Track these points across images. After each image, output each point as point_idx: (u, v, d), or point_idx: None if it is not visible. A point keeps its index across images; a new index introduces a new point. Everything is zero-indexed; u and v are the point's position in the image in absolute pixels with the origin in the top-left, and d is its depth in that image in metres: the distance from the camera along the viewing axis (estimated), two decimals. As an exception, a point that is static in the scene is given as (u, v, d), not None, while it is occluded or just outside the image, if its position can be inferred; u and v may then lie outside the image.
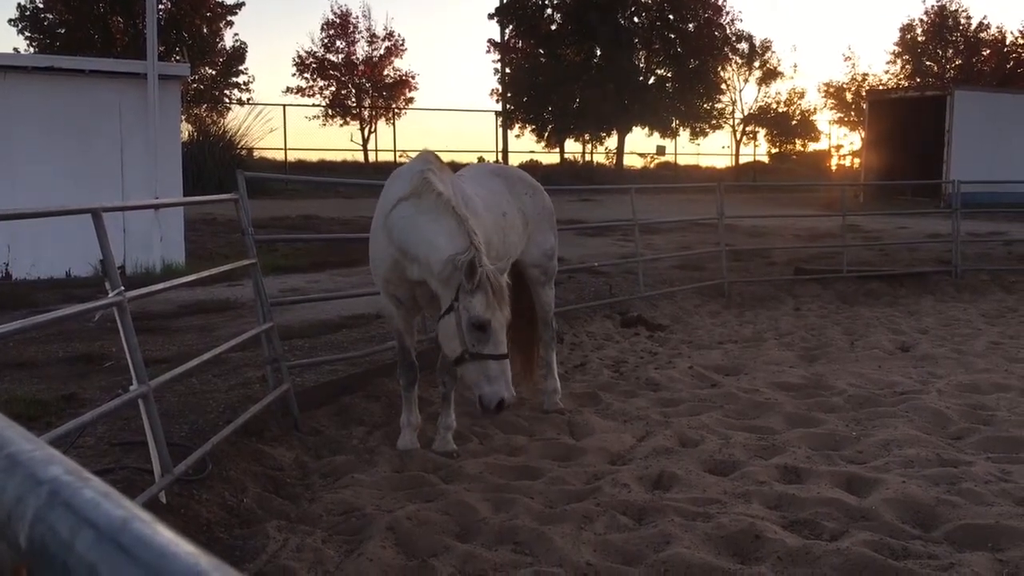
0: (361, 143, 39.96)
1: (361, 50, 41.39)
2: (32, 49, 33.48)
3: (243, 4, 36.46)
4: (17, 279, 11.88)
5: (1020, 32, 47.22)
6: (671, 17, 42.79)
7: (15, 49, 32.28)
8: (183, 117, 21.52)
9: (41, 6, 34.60)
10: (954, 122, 28.41)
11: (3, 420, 0.92)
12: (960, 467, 5.26)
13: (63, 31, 34.33)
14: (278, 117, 33.72)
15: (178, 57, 31.70)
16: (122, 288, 4.24)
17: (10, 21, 34.55)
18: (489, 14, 41.43)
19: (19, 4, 34.35)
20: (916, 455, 5.45)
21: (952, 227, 13.69)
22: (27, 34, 34.47)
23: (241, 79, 37.34)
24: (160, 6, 25.58)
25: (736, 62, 44.50)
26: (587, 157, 44.96)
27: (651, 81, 43.51)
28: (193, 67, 27.60)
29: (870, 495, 4.80)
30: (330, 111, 40.85)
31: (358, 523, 4.49)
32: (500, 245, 5.93)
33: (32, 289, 10.96)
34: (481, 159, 35.66)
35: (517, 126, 43.30)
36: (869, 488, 4.92)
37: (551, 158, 43.94)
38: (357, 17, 41.91)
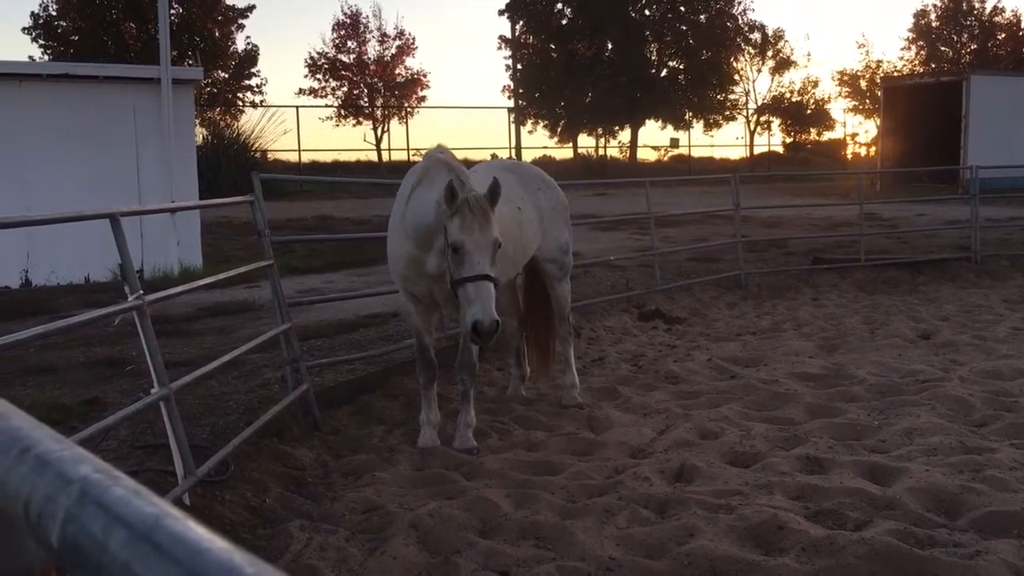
0: (374, 143, 40.09)
1: (372, 50, 41.54)
2: (46, 57, 33.75)
3: (254, 7, 36.71)
4: (37, 285, 11.97)
5: (1035, 15, 46.84)
6: (682, 9, 42.65)
7: (30, 57, 32.55)
8: (197, 121, 21.60)
9: (54, 14, 34.88)
10: (970, 107, 28.19)
11: (31, 421, 0.92)
12: (984, 454, 5.22)
13: (76, 38, 34.61)
14: (291, 119, 33.93)
15: (191, 61, 31.83)
16: (141, 292, 4.26)
17: (24, 29, 34.90)
18: (500, 10, 41.53)
19: (33, 12, 34.69)
20: (939, 443, 5.42)
21: (971, 213, 13.56)
22: (41, 42, 34.83)
23: (254, 81, 37.61)
24: (172, 11, 25.64)
25: (749, 52, 44.37)
26: (600, 151, 44.89)
27: (663, 74, 43.40)
28: (206, 71, 27.70)
29: (894, 484, 4.77)
30: (343, 111, 40.98)
31: (381, 521, 4.50)
32: (516, 238, 5.93)
33: (52, 295, 11.03)
34: (494, 156, 35.62)
35: (530, 122, 43.31)
36: (893, 477, 4.89)
37: (564, 153, 43.96)
38: (368, 17, 42.06)
